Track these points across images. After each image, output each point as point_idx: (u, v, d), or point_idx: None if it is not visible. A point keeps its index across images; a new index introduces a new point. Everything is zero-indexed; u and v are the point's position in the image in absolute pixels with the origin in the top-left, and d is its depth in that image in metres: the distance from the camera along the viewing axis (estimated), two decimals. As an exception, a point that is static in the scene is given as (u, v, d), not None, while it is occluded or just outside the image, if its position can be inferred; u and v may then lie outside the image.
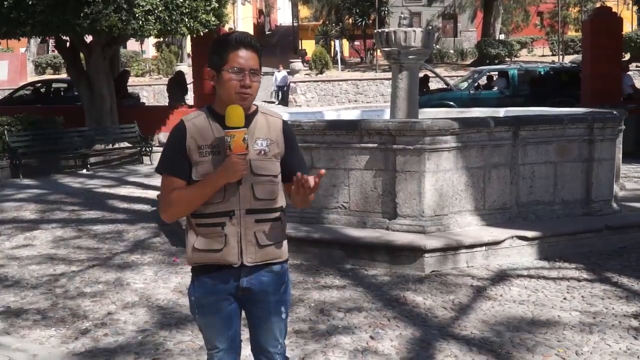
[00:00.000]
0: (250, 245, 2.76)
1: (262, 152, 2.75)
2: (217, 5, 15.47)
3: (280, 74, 29.18)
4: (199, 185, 2.69)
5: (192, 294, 2.86)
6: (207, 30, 15.32)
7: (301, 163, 2.90)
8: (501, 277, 5.96)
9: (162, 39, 33.58)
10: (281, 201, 2.84)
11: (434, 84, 24.72)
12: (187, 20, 14.67)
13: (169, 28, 14.64)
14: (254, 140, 2.73)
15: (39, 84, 22.35)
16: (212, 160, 2.70)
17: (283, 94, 29.01)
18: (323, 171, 2.69)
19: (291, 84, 30.09)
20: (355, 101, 30.69)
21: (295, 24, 54.35)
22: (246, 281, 2.80)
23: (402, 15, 8.34)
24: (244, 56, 2.70)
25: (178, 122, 2.80)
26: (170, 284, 5.98)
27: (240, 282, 2.79)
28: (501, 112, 9.42)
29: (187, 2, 14.54)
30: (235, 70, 2.69)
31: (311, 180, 2.64)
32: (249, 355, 3.07)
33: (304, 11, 57.84)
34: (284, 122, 2.88)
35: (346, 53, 44.88)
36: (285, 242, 2.88)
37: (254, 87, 2.72)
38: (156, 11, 14.00)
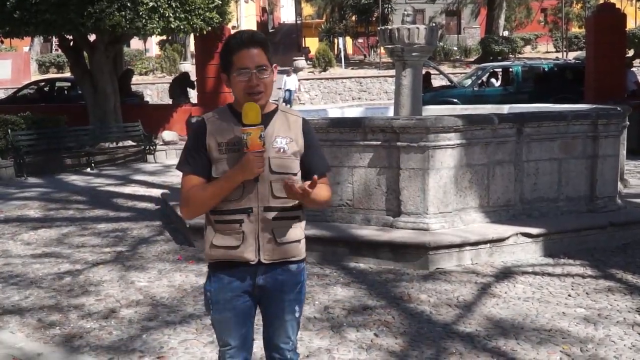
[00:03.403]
0: (268, 243, 2.77)
1: (282, 150, 2.76)
2: (220, 2, 15.48)
3: (291, 79, 27.44)
4: (217, 183, 2.71)
5: (208, 289, 2.87)
6: (210, 28, 15.33)
7: (321, 161, 2.91)
8: (505, 274, 5.95)
9: (165, 38, 33.56)
10: None
11: (437, 81, 24.66)
12: (190, 17, 14.68)
13: (173, 26, 14.66)
14: (273, 139, 2.74)
15: (43, 83, 22.39)
16: (230, 157, 2.72)
17: (290, 98, 27.61)
18: (315, 177, 2.68)
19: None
20: (359, 99, 30.64)
21: (299, 22, 54.31)
22: (262, 279, 2.81)
23: (406, 13, 8.33)
24: (248, 55, 2.72)
25: (199, 119, 2.83)
26: (174, 282, 5.99)
27: (257, 280, 2.81)
28: (505, 109, 9.41)
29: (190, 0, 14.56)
30: (242, 72, 2.71)
31: (304, 184, 2.66)
32: (257, 352, 3.06)
33: (307, 9, 57.82)
34: (304, 120, 2.89)
35: (350, 50, 44.83)
36: (303, 241, 2.89)
37: (264, 83, 2.74)
38: (160, 9, 14.01)
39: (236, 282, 2.81)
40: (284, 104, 25.46)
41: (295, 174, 2.79)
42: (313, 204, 2.83)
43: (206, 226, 2.84)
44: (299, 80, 30.06)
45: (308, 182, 2.67)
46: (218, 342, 2.96)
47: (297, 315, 2.93)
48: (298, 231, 2.86)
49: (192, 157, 2.77)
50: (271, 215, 2.76)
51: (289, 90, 26.56)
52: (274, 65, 2.81)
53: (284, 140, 2.77)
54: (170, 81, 20.61)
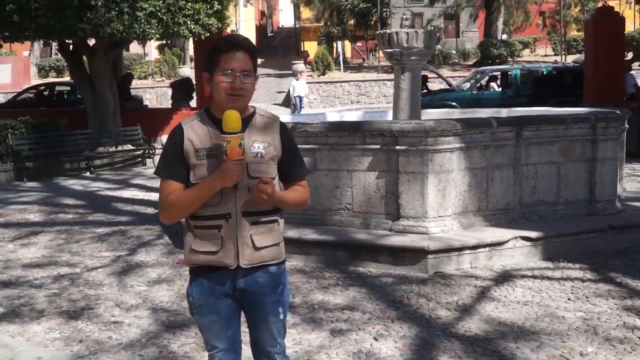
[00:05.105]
0: (247, 248, 2.78)
1: (259, 155, 2.77)
2: (219, 7, 15.49)
3: (299, 83, 25.74)
4: (195, 189, 2.72)
5: (191, 294, 2.89)
6: (208, 33, 15.33)
7: (300, 164, 2.93)
8: (505, 277, 5.95)
9: (164, 42, 33.57)
10: None
11: (436, 85, 24.68)
12: (189, 23, 14.69)
13: (171, 31, 14.67)
14: (251, 143, 2.74)
15: (43, 87, 22.38)
16: (208, 163, 2.73)
17: (300, 105, 25.13)
18: (263, 178, 2.68)
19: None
20: (358, 102, 30.69)
21: (298, 26, 54.37)
22: (243, 282, 2.82)
23: (404, 16, 8.33)
24: (235, 58, 2.72)
25: (176, 125, 2.83)
26: (173, 286, 5.99)
27: (237, 283, 2.82)
28: (504, 112, 9.41)
29: (189, 4, 14.56)
30: (227, 72, 2.71)
31: (267, 189, 2.65)
32: (250, 357, 3.06)
33: (306, 13, 57.85)
34: (282, 124, 2.89)
35: (348, 54, 44.87)
36: (282, 244, 2.90)
37: (247, 88, 2.74)
38: (159, 14, 14.02)
39: (217, 286, 2.82)
40: (295, 111, 24.80)
41: (273, 179, 2.79)
42: (285, 206, 2.83)
43: (186, 231, 2.85)
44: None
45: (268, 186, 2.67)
46: (206, 346, 2.97)
47: (281, 317, 2.92)
48: (277, 234, 2.86)
49: (170, 162, 2.78)
50: (249, 220, 2.77)
51: (299, 97, 25.15)
52: (257, 75, 2.82)
53: (262, 145, 2.77)
54: (171, 84, 20.47)
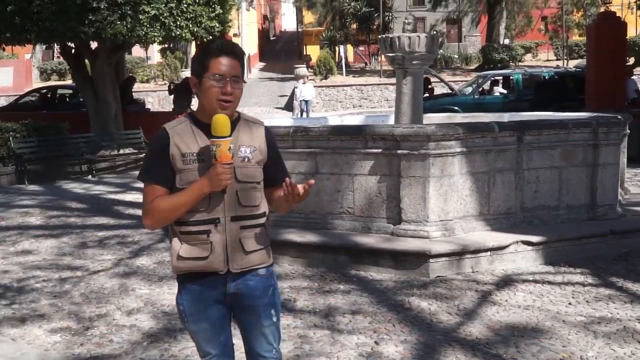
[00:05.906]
0: (237, 252, 2.77)
1: (246, 159, 2.77)
2: (221, 11, 15.53)
3: (306, 87, 25.09)
4: (182, 194, 2.70)
5: (180, 302, 2.88)
6: (211, 36, 15.37)
7: (283, 169, 2.95)
8: (506, 282, 5.95)
9: (166, 45, 33.63)
10: (264, 207, 2.86)
11: (438, 89, 24.69)
12: (191, 26, 14.73)
13: (173, 34, 14.71)
14: (237, 148, 2.75)
15: (45, 90, 22.40)
16: (197, 168, 2.72)
17: (307, 109, 24.73)
18: (312, 181, 2.71)
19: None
20: (360, 106, 30.70)
21: (300, 30, 54.46)
22: (233, 286, 2.81)
23: (407, 21, 8.34)
24: (225, 63, 2.71)
25: (160, 129, 2.80)
26: (175, 290, 5.95)
27: (227, 288, 2.81)
28: (505, 116, 9.41)
29: (191, 8, 14.60)
30: (217, 77, 2.70)
31: (300, 187, 2.67)
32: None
33: (308, 17, 57.95)
34: (266, 128, 2.91)
35: (351, 58, 44.92)
36: (269, 247, 2.90)
37: (236, 94, 2.74)
38: (161, 17, 14.05)
39: (207, 292, 2.81)
40: (302, 114, 24.57)
41: (259, 182, 2.81)
42: (288, 207, 2.84)
43: (171, 238, 2.82)
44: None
45: (302, 185, 2.69)
46: (199, 353, 2.95)
47: (274, 320, 2.91)
48: (265, 238, 2.87)
49: (155, 167, 2.76)
50: (238, 224, 2.77)
51: (306, 101, 24.76)
52: (244, 81, 2.83)
53: (248, 149, 2.78)
54: (170, 92, 20.45)
